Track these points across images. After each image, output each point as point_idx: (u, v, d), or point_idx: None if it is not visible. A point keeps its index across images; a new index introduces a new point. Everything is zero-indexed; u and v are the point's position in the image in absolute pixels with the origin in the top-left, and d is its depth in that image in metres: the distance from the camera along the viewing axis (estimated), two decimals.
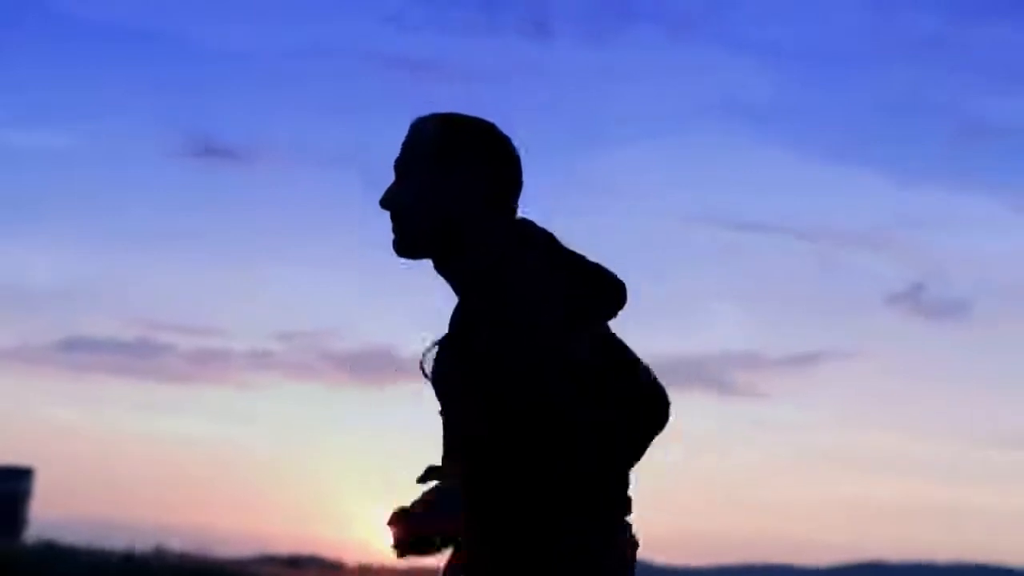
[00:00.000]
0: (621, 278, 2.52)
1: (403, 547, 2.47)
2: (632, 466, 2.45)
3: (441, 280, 2.62)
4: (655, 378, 2.46)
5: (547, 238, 2.53)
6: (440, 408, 2.56)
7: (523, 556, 2.41)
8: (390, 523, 2.47)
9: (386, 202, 2.58)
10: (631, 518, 2.49)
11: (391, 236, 2.59)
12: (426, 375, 2.56)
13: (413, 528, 2.46)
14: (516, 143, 2.64)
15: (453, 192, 2.52)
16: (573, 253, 2.53)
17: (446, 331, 2.56)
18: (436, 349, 2.57)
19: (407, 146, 2.59)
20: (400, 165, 2.59)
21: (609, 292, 2.51)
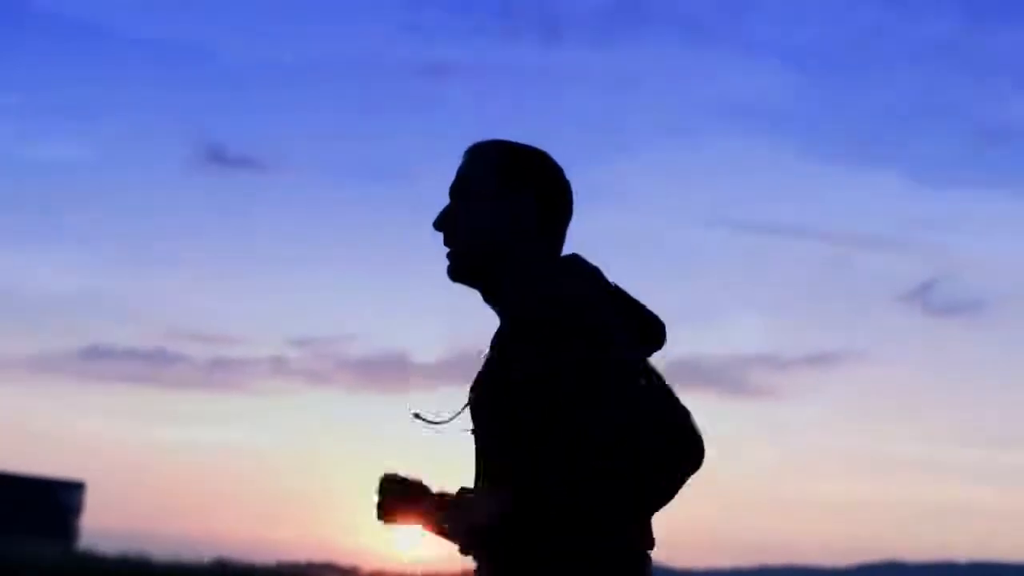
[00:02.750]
0: (657, 316, 2.56)
1: (389, 517, 2.57)
2: (664, 503, 2.43)
3: (456, 288, 2.64)
4: (693, 423, 2.42)
5: (594, 270, 2.57)
6: (474, 429, 2.56)
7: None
8: (387, 492, 2.56)
9: (440, 224, 2.62)
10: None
11: (446, 261, 2.62)
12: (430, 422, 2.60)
13: (403, 510, 2.55)
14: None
15: (508, 218, 2.57)
16: (618, 287, 2.56)
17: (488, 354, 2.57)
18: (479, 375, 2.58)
19: (464, 170, 2.64)
20: (456, 189, 2.64)
21: (652, 327, 2.56)
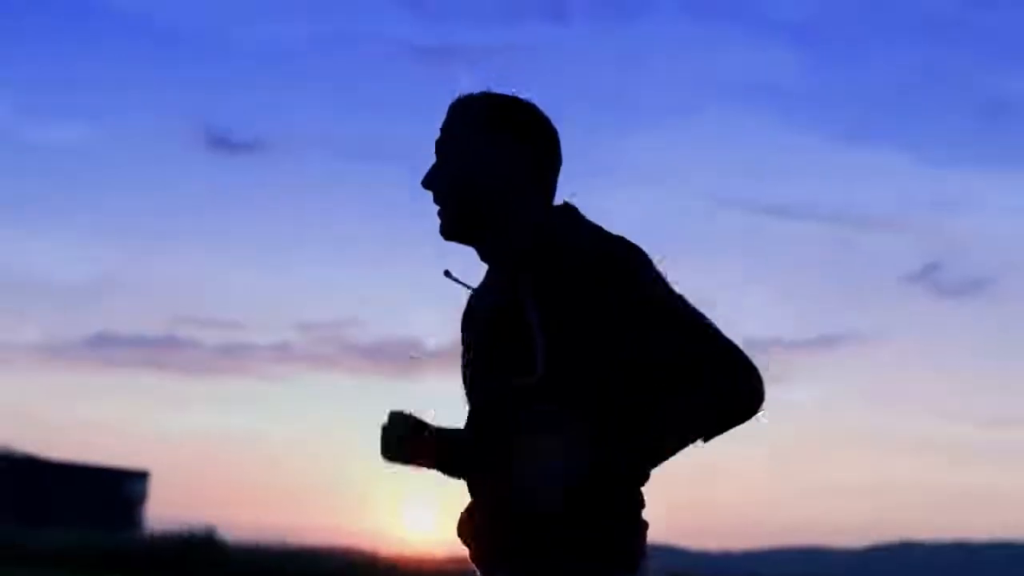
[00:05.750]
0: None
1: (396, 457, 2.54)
2: (705, 439, 2.41)
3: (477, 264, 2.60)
4: (755, 371, 2.41)
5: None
6: (478, 365, 2.51)
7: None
8: (395, 430, 2.52)
9: (429, 181, 2.55)
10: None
11: (437, 220, 2.55)
12: (456, 279, 2.59)
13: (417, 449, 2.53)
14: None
15: (496, 169, 2.50)
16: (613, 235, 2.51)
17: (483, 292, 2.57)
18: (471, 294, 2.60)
19: (448, 125, 2.57)
20: (442, 144, 2.56)
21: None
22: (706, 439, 2.40)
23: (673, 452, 2.39)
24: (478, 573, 2.50)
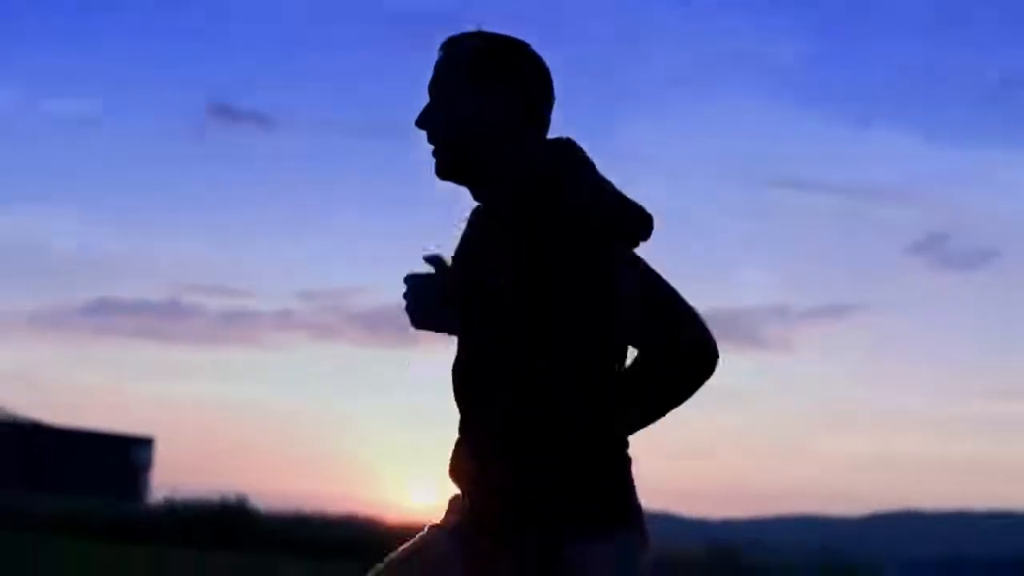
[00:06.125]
0: (649, 212, 2.49)
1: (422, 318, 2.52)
2: (674, 406, 2.45)
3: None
4: (707, 329, 2.45)
5: (587, 158, 2.55)
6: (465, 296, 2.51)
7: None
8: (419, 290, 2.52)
9: (422, 121, 2.57)
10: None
11: (431, 159, 2.57)
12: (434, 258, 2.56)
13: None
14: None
15: (489, 107, 2.52)
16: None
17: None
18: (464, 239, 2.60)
19: (440, 65, 2.58)
20: (434, 85, 2.58)
21: (644, 217, 2.49)
22: (677, 402, 2.44)
23: (647, 421, 2.45)
24: (465, 519, 2.50)
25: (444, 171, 2.57)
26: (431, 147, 2.57)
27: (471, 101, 2.53)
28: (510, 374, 2.42)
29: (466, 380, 2.52)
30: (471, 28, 2.60)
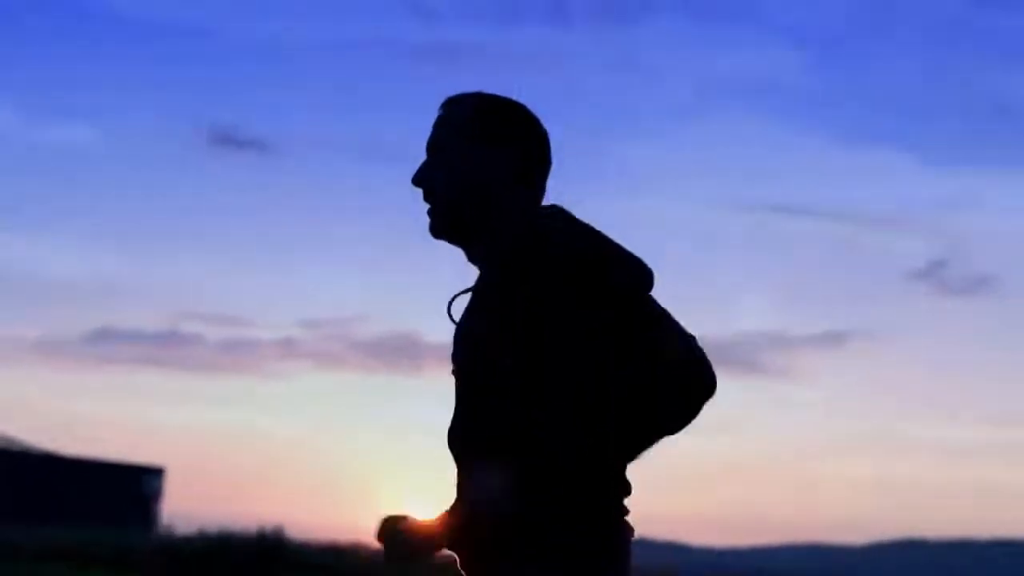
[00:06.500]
0: (650, 266, 2.50)
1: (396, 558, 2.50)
2: (674, 431, 2.45)
3: (468, 268, 2.61)
4: (701, 350, 2.45)
5: (577, 219, 2.54)
6: (460, 366, 2.53)
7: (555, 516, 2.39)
8: (386, 536, 2.50)
9: (419, 179, 2.58)
10: (628, 501, 2.50)
11: (426, 218, 2.59)
12: (453, 319, 2.57)
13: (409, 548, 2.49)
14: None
15: (485, 168, 2.52)
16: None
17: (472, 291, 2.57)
18: (467, 298, 2.59)
19: (440, 124, 2.59)
20: (433, 143, 2.59)
21: (645, 273, 2.49)
22: (673, 430, 2.45)
23: (641, 449, 2.45)
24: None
25: (440, 230, 2.58)
26: (426, 205, 2.59)
27: (472, 160, 2.54)
28: (508, 429, 2.42)
29: (466, 441, 2.51)
30: (471, 90, 2.62)
